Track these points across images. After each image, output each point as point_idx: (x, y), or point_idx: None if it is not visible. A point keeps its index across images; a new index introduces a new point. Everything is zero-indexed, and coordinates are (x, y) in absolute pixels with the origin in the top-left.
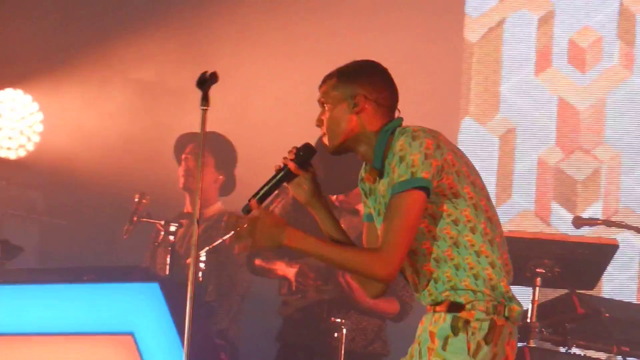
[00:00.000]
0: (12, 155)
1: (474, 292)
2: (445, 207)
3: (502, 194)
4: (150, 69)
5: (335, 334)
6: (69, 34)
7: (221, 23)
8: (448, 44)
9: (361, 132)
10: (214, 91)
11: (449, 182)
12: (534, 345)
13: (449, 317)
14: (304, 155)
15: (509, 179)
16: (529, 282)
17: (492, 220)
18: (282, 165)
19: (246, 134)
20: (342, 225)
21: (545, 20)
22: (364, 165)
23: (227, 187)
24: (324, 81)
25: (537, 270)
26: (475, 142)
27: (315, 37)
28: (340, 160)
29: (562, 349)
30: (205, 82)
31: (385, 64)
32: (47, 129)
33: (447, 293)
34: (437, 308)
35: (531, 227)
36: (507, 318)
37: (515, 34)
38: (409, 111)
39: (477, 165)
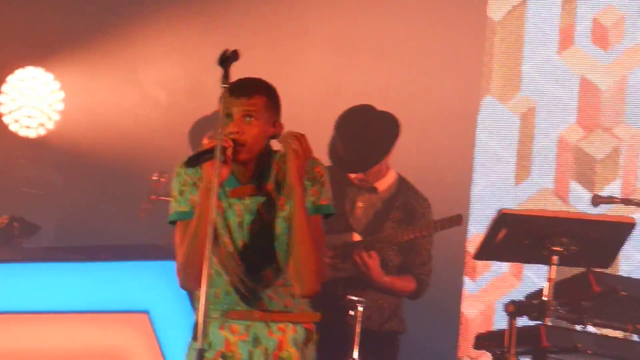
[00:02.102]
0: (32, 134)
1: None
2: None
3: (521, 173)
4: (170, 48)
5: (351, 312)
6: (90, 12)
7: (244, 4)
8: (471, 22)
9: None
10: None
11: None
12: (550, 324)
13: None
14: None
15: (528, 157)
16: (545, 260)
17: None
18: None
19: None
20: (360, 203)
21: None
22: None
23: None
24: (252, 94)
25: (554, 248)
26: (496, 120)
27: (331, 17)
28: (359, 140)
29: (578, 327)
30: (227, 59)
31: (407, 43)
32: (67, 107)
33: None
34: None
35: (550, 205)
36: None
37: (538, 12)
38: (430, 90)
39: (497, 144)
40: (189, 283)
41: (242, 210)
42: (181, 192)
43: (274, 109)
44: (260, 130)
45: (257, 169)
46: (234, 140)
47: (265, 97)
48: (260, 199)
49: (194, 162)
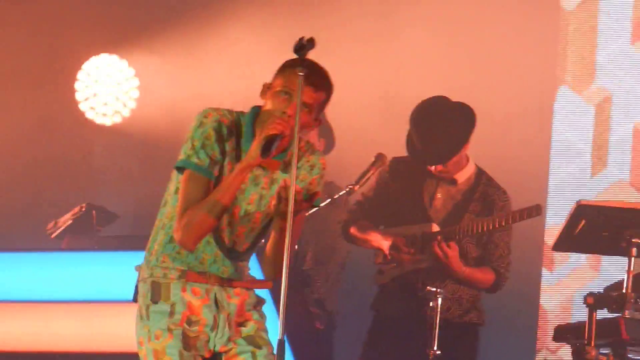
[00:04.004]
0: (107, 122)
1: None
2: None
3: (597, 164)
4: (243, 35)
5: (431, 304)
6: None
7: None
8: (544, 12)
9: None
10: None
11: None
12: (629, 316)
13: None
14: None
15: (604, 148)
16: (624, 252)
17: None
18: (280, 132)
19: None
20: (440, 194)
21: None
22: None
23: (328, 148)
24: (319, 88)
25: (633, 240)
26: (571, 110)
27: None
28: (435, 132)
29: None
30: (303, 47)
31: (481, 34)
32: (143, 94)
33: None
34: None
35: (626, 197)
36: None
37: (611, 2)
38: (505, 80)
39: (572, 134)
40: (188, 244)
41: (249, 179)
42: (203, 145)
43: (324, 108)
44: (307, 122)
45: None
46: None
47: (325, 96)
48: (267, 172)
49: (267, 152)
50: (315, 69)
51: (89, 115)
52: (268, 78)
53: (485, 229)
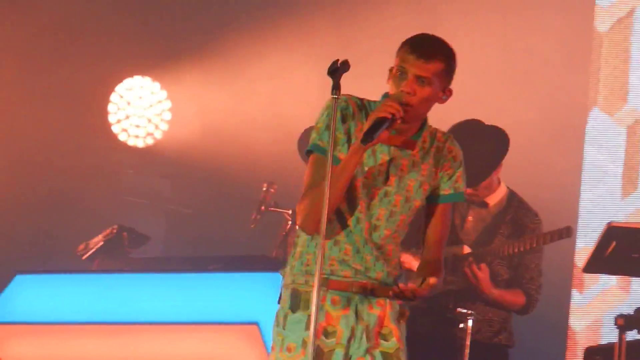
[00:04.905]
0: (140, 144)
1: None
2: None
3: (628, 186)
4: (273, 58)
5: (461, 325)
6: (195, 22)
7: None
8: (577, 34)
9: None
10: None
11: None
12: None
13: None
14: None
15: (635, 170)
16: None
17: None
18: (389, 116)
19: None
20: (471, 217)
21: None
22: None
23: None
24: (431, 59)
25: None
26: (603, 133)
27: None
28: (468, 154)
29: None
30: (337, 70)
31: (515, 55)
32: (175, 117)
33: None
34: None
35: None
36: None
37: None
38: (537, 101)
39: (603, 156)
40: (309, 227)
41: (385, 160)
42: (327, 127)
43: (448, 75)
44: (430, 94)
45: (418, 130)
46: (404, 102)
47: (442, 63)
48: (406, 154)
49: (370, 136)
50: (424, 38)
51: (122, 137)
52: (301, 100)
53: (516, 251)
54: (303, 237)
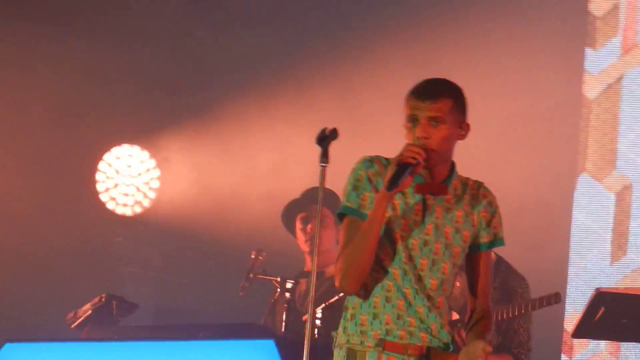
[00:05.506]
0: (128, 212)
1: None
2: None
3: (617, 251)
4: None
5: None
6: (178, 93)
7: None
8: (567, 100)
9: (450, 154)
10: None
11: None
12: None
13: None
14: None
15: (624, 236)
16: None
17: None
18: (413, 160)
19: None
20: (458, 283)
21: None
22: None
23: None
24: (438, 97)
25: None
26: (591, 198)
27: None
28: None
29: None
30: (325, 138)
31: (502, 119)
32: (164, 184)
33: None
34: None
35: None
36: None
37: (633, 90)
38: (525, 167)
39: (593, 222)
40: (348, 286)
41: (420, 209)
42: (355, 187)
43: (460, 111)
44: (447, 133)
45: (449, 172)
46: (423, 147)
47: (451, 100)
48: (440, 201)
49: (395, 182)
50: (426, 81)
51: (110, 205)
52: (284, 169)
53: (505, 316)
54: (354, 299)
